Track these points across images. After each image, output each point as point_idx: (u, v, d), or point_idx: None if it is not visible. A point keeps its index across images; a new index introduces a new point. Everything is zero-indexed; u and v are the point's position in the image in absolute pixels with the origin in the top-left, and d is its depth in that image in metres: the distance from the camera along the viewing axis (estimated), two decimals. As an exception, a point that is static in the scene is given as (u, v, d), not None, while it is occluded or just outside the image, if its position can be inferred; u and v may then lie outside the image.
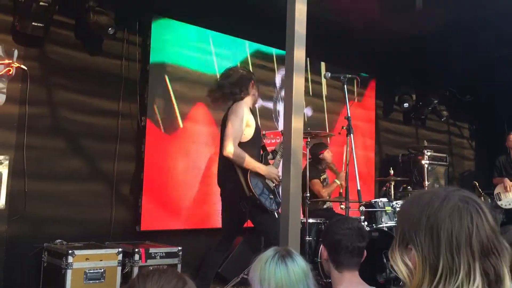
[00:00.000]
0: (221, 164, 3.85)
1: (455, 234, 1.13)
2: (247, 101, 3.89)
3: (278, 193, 3.83)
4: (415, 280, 1.15)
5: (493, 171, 7.18)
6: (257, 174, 3.72)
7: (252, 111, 3.97)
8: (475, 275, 1.10)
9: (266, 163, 3.91)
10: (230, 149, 3.62)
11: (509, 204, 6.78)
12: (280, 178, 3.72)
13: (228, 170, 3.74)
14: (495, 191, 7.00)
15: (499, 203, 6.81)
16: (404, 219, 1.23)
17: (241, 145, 3.72)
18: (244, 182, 3.65)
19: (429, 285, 1.11)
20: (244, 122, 3.74)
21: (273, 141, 6.08)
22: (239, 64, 5.98)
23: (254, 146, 3.82)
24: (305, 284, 1.77)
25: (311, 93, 6.85)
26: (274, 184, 3.83)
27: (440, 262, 1.12)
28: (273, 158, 4.03)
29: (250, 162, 3.68)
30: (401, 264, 1.19)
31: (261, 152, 3.97)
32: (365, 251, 2.32)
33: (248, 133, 3.78)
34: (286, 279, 1.74)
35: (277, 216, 3.72)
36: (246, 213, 3.72)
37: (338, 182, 5.55)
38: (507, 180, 6.82)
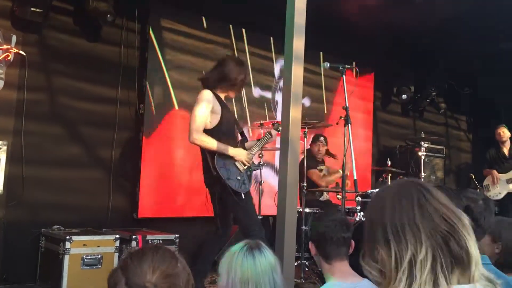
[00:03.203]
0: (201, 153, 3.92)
1: (397, 217, 1.16)
2: (220, 90, 3.91)
3: (249, 176, 3.89)
4: (387, 280, 1.16)
5: (485, 163, 7.33)
6: (225, 156, 3.75)
7: (226, 100, 3.98)
8: (421, 246, 1.12)
9: (243, 148, 3.96)
10: (193, 136, 3.68)
11: (496, 196, 6.97)
12: (251, 161, 3.88)
13: (202, 156, 3.82)
14: (484, 183, 7.22)
15: (487, 194, 6.95)
16: (367, 221, 1.27)
17: (208, 132, 3.75)
18: (211, 163, 3.70)
19: (406, 279, 1.12)
20: (208, 109, 3.75)
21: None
22: (235, 53, 5.98)
23: (221, 133, 3.80)
24: (271, 278, 1.79)
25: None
26: (244, 167, 3.83)
27: (392, 247, 1.14)
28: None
29: (217, 145, 3.71)
30: (373, 266, 1.20)
31: (238, 138, 3.99)
32: (352, 241, 2.36)
33: (213, 121, 3.79)
34: (252, 270, 1.77)
35: (244, 198, 3.76)
36: (220, 197, 3.78)
37: (341, 172, 5.57)
38: (495, 172, 7.01)
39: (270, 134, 4.08)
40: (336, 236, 2.29)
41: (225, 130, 3.85)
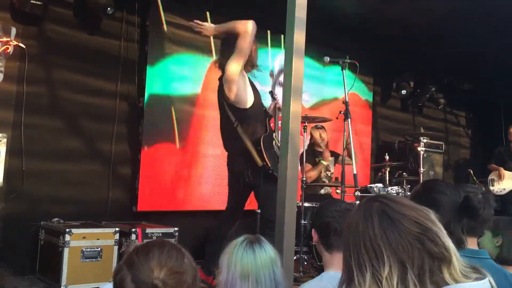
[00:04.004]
0: (226, 133, 3.87)
1: (357, 239, 1.16)
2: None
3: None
4: None
5: (491, 158, 7.37)
6: (270, 143, 3.71)
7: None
8: (391, 270, 1.11)
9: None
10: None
11: (500, 191, 7.06)
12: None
13: (235, 140, 3.75)
14: (489, 177, 7.25)
15: (491, 188, 6.99)
16: (343, 249, 1.24)
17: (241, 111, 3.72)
18: (256, 152, 3.65)
19: None
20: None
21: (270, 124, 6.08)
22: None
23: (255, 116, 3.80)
24: (271, 272, 1.80)
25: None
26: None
27: (367, 273, 1.12)
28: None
29: None
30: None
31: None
32: None
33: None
34: (252, 264, 1.78)
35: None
36: (250, 184, 3.74)
37: (325, 163, 5.61)
38: (502, 169, 7.07)
39: None
40: (341, 227, 2.25)
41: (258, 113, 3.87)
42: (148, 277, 1.25)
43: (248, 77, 3.85)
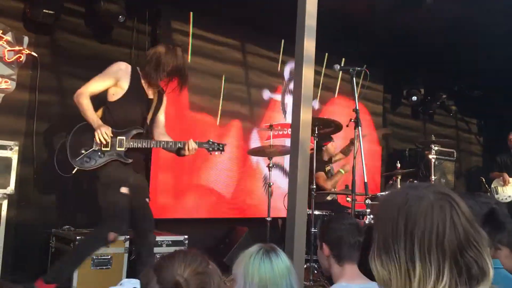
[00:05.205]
0: None
1: (427, 235, 1.09)
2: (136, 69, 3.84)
3: (96, 160, 3.63)
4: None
5: (492, 167, 7.30)
6: (87, 129, 3.63)
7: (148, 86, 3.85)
8: (443, 274, 1.07)
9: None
10: (79, 90, 3.69)
11: (506, 199, 6.94)
12: (108, 141, 3.58)
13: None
14: (492, 185, 7.17)
15: (496, 196, 6.90)
16: (381, 224, 1.18)
17: (110, 103, 3.72)
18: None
19: None
20: (110, 81, 3.72)
21: (280, 132, 6.09)
22: (244, 56, 5.99)
23: (122, 108, 3.73)
24: (288, 281, 1.79)
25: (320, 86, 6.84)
26: (97, 146, 3.63)
27: (417, 267, 1.08)
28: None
29: (87, 111, 3.62)
30: (382, 271, 1.15)
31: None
32: None
33: (116, 93, 3.73)
34: (270, 274, 1.75)
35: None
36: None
37: (343, 172, 5.56)
38: (505, 175, 6.97)
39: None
40: (354, 239, 2.32)
41: (128, 107, 3.83)
42: (171, 276, 1.29)
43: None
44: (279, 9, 4.70)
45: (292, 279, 1.79)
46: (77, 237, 4.11)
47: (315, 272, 4.81)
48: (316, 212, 4.97)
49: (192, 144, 3.75)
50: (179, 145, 3.76)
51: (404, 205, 1.14)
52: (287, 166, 6.16)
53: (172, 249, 4.63)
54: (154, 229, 3.84)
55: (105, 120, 3.67)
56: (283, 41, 6.37)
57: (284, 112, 6.49)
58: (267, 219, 4.94)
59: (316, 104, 6.73)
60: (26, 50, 4.54)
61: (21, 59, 4.53)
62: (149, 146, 3.75)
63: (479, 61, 6.96)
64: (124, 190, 3.60)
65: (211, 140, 3.97)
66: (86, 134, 3.64)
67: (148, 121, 3.82)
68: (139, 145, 3.68)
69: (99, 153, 3.61)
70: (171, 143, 3.79)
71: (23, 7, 4.55)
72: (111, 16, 4.84)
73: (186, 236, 4.78)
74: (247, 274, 1.76)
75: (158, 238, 4.60)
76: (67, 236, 4.28)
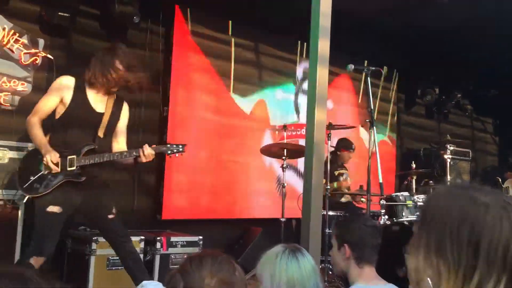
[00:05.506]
0: None
1: (494, 245, 1.05)
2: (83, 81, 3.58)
3: (46, 184, 3.40)
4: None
5: (507, 168, 7.34)
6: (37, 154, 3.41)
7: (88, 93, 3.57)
8: (499, 285, 1.04)
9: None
10: (27, 118, 3.47)
11: None
12: (57, 168, 3.35)
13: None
14: (504, 185, 7.13)
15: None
16: (437, 225, 1.11)
17: (55, 122, 3.51)
18: None
19: None
20: (55, 98, 3.50)
21: (293, 133, 6.07)
22: (258, 56, 5.98)
23: (68, 126, 3.50)
24: (315, 281, 1.77)
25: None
26: (46, 170, 3.40)
27: (476, 275, 1.05)
28: None
29: (35, 139, 3.42)
30: (427, 270, 1.10)
31: None
32: None
33: (61, 111, 3.51)
34: (298, 274, 1.74)
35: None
36: None
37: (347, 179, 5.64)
38: None
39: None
40: (376, 242, 2.33)
41: (72, 123, 3.57)
42: (199, 285, 1.28)
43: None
44: (294, 9, 4.69)
45: (317, 278, 1.78)
46: (93, 238, 4.13)
47: (330, 273, 4.79)
48: (331, 213, 4.95)
49: (147, 150, 3.47)
50: (135, 153, 3.51)
51: (468, 211, 1.09)
52: (300, 166, 6.15)
53: (187, 250, 4.64)
54: (128, 239, 3.66)
55: (54, 140, 3.48)
56: (299, 42, 6.35)
57: (298, 112, 6.48)
58: (281, 219, 4.93)
59: (330, 104, 6.71)
60: (42, 52, 4.59)
61: (37, 62, 4.58)
62: (102, 160, 3.49)
63: (495, 60, 6.88)
64: (52, 209, 3.38)
65: (169, 144, 3.78)
66: (35, 159, 3.46)
67: (101, 135, 3.59)
68: (92, 161, 3.46)
69: (49, 176, 3.40)
70: (125, 153, 3.54)
71: (38, 10, 4.60)
72: (126, 16, 4.87)
73: (200, 237, 4.79)
74: (274, 274, 1.74)
75: (173, 239, 4.63)
76: (83, 236, 4.32)
